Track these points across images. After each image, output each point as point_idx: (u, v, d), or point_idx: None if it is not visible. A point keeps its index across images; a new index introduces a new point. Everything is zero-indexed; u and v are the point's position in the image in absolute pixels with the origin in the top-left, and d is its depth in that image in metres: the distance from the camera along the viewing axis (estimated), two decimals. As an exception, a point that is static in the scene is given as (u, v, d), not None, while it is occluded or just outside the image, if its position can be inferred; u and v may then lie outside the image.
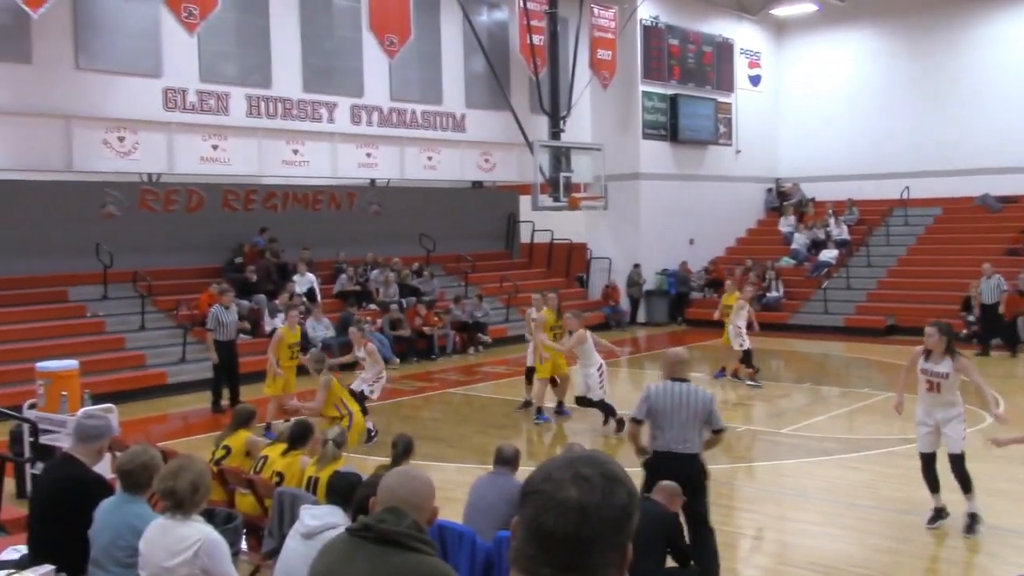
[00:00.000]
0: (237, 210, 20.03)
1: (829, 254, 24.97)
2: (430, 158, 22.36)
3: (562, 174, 21.18)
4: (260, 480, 7.19)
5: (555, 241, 25.43)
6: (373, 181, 22.33)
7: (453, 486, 9.23)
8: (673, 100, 26.03)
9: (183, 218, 19.06)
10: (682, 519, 6.60)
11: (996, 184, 24.89)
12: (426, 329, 19.89)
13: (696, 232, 26.45)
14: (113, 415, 8.71)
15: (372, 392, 12.36)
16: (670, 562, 6.39)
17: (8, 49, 15.95)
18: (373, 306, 20.12)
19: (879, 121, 27.07)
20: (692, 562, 6.48)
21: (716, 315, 17.10)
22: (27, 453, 9.00)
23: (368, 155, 21.18)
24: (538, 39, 22.14)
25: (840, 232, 25.73)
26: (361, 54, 20.68)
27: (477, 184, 24.72)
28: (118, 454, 6.00)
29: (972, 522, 8.18)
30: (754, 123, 28.54)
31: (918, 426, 8.46)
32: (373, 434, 11.79)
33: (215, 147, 18.57)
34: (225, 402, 14.22)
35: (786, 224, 27.13)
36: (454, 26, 22.49)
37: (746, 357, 16.00)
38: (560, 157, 21.46)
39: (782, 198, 28.83)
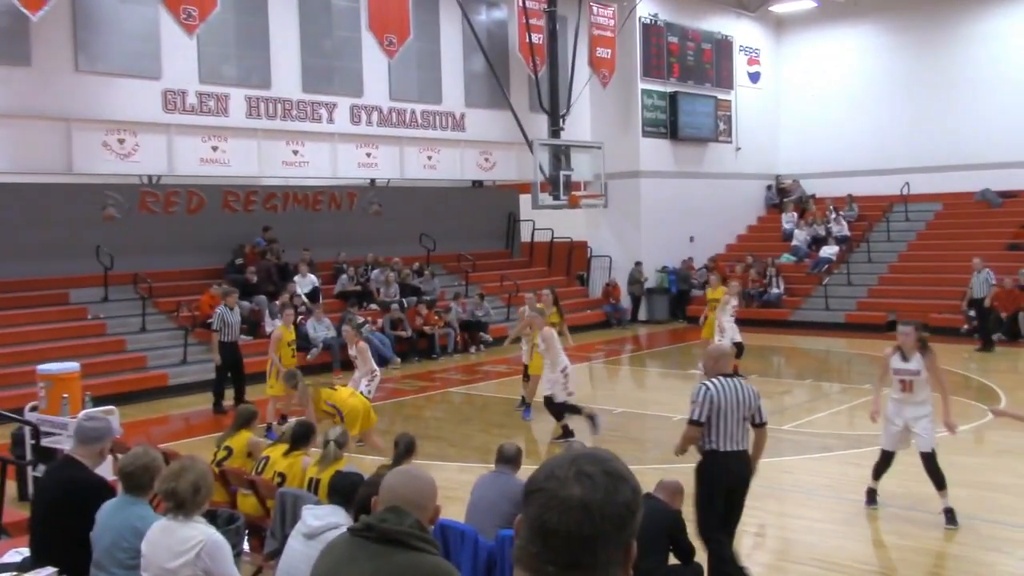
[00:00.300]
0: (237, 211, 20.02)
1: (830, 250, 24.96)
2: (430, 157, 22.36)
3: (562, 172, 21.18)
4: (262, 481, 7.18)
5: (555, 240, 25.42)
6: (373, 181, 22.32)
7: (455, 485, 9.22)
8: (672, 98, 26.01)
9: (183, 220, 19.06)
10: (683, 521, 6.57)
11: (996, 179, 24.86)
12: (427, 329, 19.88)
13: (697, 229, 26.43)
14: (114, 417, 8.72)
15: (368, 392, 12.36)
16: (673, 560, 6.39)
17: (7, 52, 15.95)
18: (374, 306, 20.12)
19: (879, 117, 27.04)
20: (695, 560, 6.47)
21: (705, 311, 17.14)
22: (29, 456, 9.01)
23: (368, 155, 21.17)
24: (537, 38, 22.13)
25: (840, 228, 25.72)
26: (360, 54, 20.68)
27: (477, 183, 24.72)
28: (120, 456, 6.00)
29: (949, 517, 8.29)
30: (754, 120, 28.53)
31: (887, 424, 8.62)
32: (359, 441, 11.74)
33: (215, 148, 18.57)
34: (229, 403, 14.23)
35: (787, 221, 27.11)
36: (453, 25, 22.48)
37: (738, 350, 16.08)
38: (560, 155, 21.46)
39: (782, 195, 28.82)
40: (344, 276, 20.56)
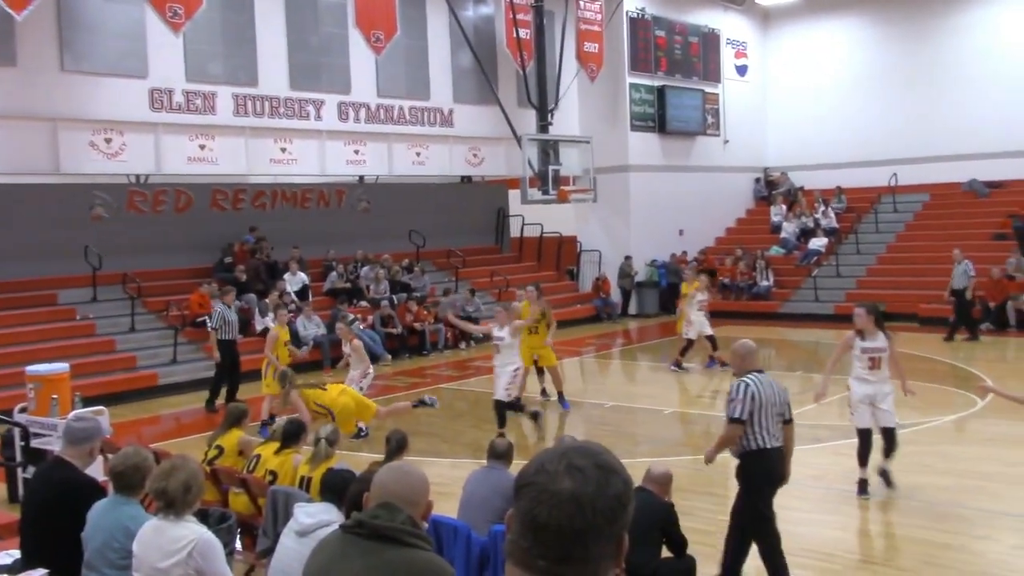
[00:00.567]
0: (226, 210, 19.96)
1: (818, 242, 25.02)
2: (418, 154, 22.32)
3: (551, 167, 21.16)
4: (253, 479, 7.18)
5: (545, 234, 25.42)
6: (362, 178, 22.29)
7: (448, 481, 9.22)
8: (660, 91, 26.02)
9: (171, 219, 18.99)
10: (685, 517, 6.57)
11: (983, 169, 24.95)
12: (417, 325, 19.88)
13: (686, 223, 26.46)
14: (104, 417, 8.70)
15: (362, 390, 12.37)
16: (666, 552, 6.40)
17: (-8, 52, 15.87)
18: (364, 303, 20.09)
19: (866, 108, 27.11)
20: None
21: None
22: (19, 457, 8.98)
23: (356, 152, 21.13)
24: (524, 33, 22.10)
25: (829, 220, 25.78)
26: (347, 51, 20.62)
27: (466, 179, 24.70)
28: (110, 456, 5.99)
29: (886, 479, 8.99)
30: (741, 113, 28.57)
31: (858, 404, 8.99)
32: (363, 432, 11.77)
33: (202, 147, 18.50)
34: (221, 401, 14.20)
35: (775, 213, 27.17)
36: (440, 21, 22.44)
37: (688, 345, 16.38)
38: (548, 150, 21.44)
39: (771, 187, 28.88)
40: (334, 273, 20.53)
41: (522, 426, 13.10)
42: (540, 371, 14.11)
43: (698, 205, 26.70)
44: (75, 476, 5.34)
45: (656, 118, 26.00)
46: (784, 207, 27.15)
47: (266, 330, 16.55)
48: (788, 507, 9.23)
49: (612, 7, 24.23)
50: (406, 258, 22.28)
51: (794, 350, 20.20)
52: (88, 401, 10.68)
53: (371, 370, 12.86)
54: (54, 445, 8.31)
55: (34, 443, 8.98)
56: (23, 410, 9.71)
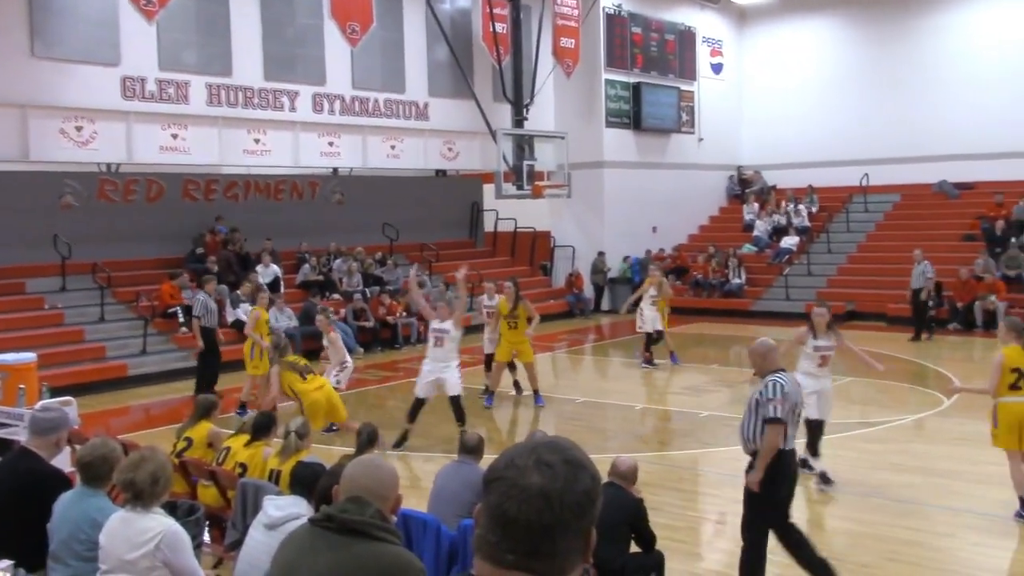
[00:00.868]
0: (198, 200, 19.81)
1: (790, 241, 25.20)
2: (393, 147, 22.25)
3: (525, 162, 21.15)
4: (223, 471, 7.14)
5: (519, 229, 25.43)
6: (335, 170, 22.19)
7: (419, 475, 9.24)
8: (636, 88, 26.09)
9: (143, 208, 18.82)
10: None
11: (954, 171, 25.22)
12: (390, 319, 19.83)
13: (659, 220, 26.56)
14: (72, 408, 8.63)
15: (339, 382, 12.34)
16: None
17: (-40, 36, 15.65)
18: (336, 296, 20.01)
19: (839, 108, 27.32)
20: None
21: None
22: (-16, 447, 8.87)
23: (330, 144, 21.03)
24: (501, 27, 22.08)
25: (801, 219, 25.97)
26: (323, 42, 20.51)
27: (440, 173, 24.65)
28: (78, 447, 5.94)
29: (806, 466, 9.34)
30: (716, 111, 28.70)
31: (807, 397, 9.03)
32: (334, 427, 11.72)
33: (175, 136, 18.34)
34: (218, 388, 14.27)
35: (748, 212, 27.32)
36: (416, 14, 22.37)
37: (651, 340, 16.61)
38: (523, 145, 21.44)
39: (744, 185, 29.04)
40: (306, 266, 20.43)
41: (494, 419, 13.13)
42: (512, 365, 14.13)
43: (672, 202, 26.80)
44: (41, 467, 5.30)
45: (631, 115, 26.07)
46: (757, 205, 27.31)
47: (238, 321, 16.56)
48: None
49: (589, 3, 24.25)
50: (379, 251, 22.21)
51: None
52: (56, 391, 10.57)
53: (349, 363, 12.86)
54: (20, 435, 8.22)
55: (0, 433, 8.88)
56: (-11, 400, 9.60)
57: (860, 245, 24.99)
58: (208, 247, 19.17)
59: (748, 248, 25.88)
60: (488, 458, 5.70)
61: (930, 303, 19.78)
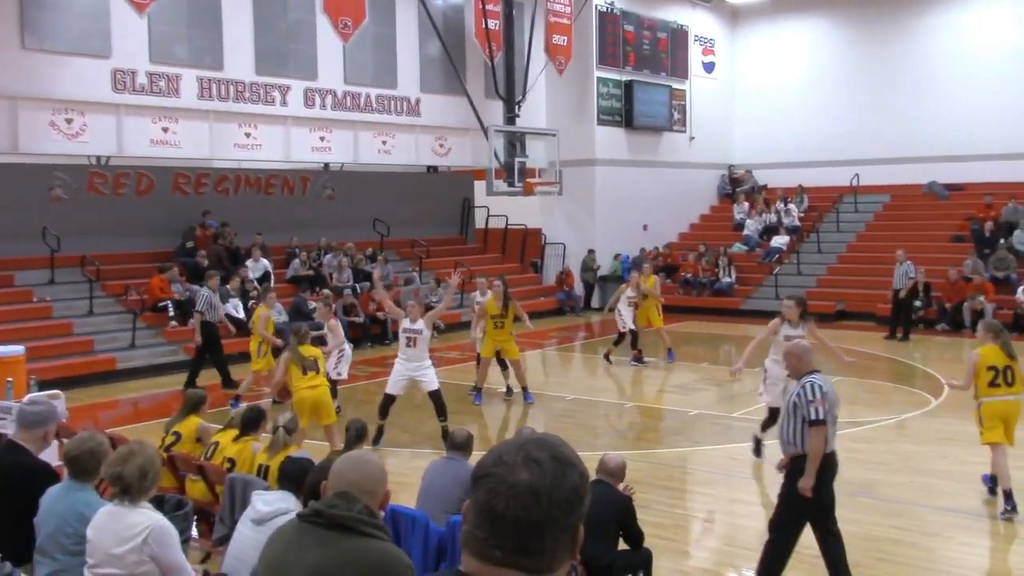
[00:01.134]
0: (188, 194, 19.75)
1: (780, 240, 25.25)
2: (384, 142, 22.23)
3: (517, 159, 21.17)
4: (211, 466, 7.13)
5: (510, 226, 25.43)
6: (327, 165, 22.15)
7: (408, 471, 9.23)
8: (628, 86, 26.10)
9: (132, 202, 18.75)
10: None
11: (943, 172, 25.30)
12: (380, 314, 19.80)
13: (650, 218, 26.59)
14: (60, 401, 8.60)
15: (341, 374, 12.41)
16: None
17: (-50, 27, 15.57)
18: (326, 291, 19.95)
19: (830, 108, 27.37)
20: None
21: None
22: (-29, 440, 8.83)
23: (322, 139, 21.00)
24: (493, 24, 22.07)
25: (791, 219, 26.02)
26: (315, 37, 20.47)
27: (432, 169, 24.63)
28: (66, 441, 5.92)
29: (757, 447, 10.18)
30: (708, 110, 28.73)
31: (771, 384, 10.01)
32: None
33: (165, 130, 18.29)
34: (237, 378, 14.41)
35: (739, 211, 27.37)
36: (409, 9, 22.33)
37: (633, 338, 16.77)
38: (515, 142, 21.46)
39: (735, 184, 29.09)
40: (296, 261, 20.39)
41: (483, 415, 13.13)
42: (503, 364, 14.09)
43: (663, 201, 26.83)
44: (28, 460, 5.28)
45: (623, 113, 26.08)
46: (747, 205, 27.37)
47: (227, 316, 16.53)
48: (745, 502, 9.37)
49: (581, 0, 24.25)
50: (370, 247, 22.17)
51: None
52: (44, 384, 10.55)
53: (347, 350, 12.95)
54: (8, 429, 8.20)
55: (-13, 426, 8.85)
56: (-24, 393, 9.56)
57: (850, 245, 25.05)
58: (198, 241, 19.12)
59: (738, 247, 25.92)
60: (477, 454, 5.70)
61: (915, 303, 19.85)
